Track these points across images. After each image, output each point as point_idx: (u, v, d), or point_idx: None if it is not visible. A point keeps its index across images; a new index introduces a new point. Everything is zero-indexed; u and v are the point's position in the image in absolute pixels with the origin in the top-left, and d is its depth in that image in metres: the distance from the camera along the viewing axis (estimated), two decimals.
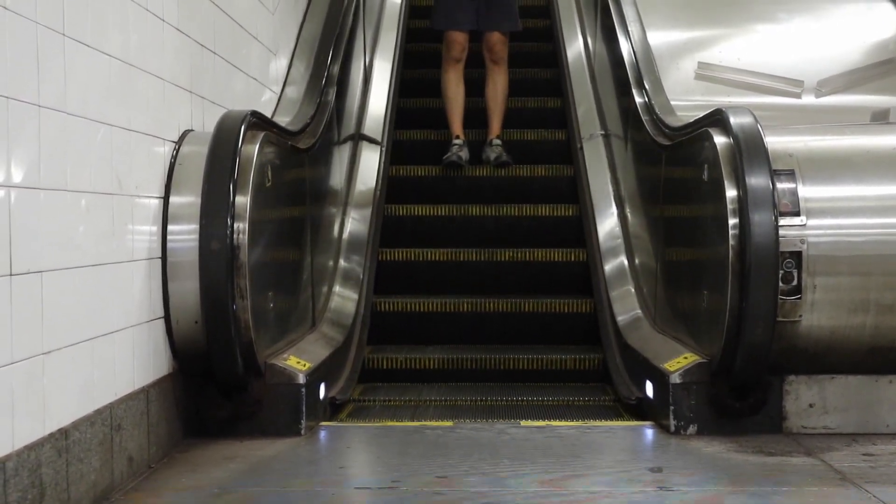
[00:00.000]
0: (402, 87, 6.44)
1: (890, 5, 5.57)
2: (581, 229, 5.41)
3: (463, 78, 5.93)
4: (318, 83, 4.83)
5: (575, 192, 5.68)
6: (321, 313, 4.51)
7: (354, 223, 5.22)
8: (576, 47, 6.52)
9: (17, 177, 2.43)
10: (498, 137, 5.90)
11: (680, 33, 5.61)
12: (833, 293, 3.49)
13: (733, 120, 3.57)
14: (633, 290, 4.72)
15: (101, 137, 2.90)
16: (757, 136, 3.50)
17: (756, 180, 3.40)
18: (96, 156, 2.87)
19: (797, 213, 3.47)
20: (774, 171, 3.46)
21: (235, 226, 3.32)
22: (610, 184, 5.39)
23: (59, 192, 2.64)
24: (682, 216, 4.18)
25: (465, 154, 5.80)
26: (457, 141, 5.85)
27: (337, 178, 5.13)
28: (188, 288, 3.35)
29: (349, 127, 5.56)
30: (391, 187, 5.70)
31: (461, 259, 5.30)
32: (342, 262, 4.97)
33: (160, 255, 3.34)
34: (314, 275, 4.41)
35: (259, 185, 3.48)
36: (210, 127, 3.54)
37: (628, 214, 5.10)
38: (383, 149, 5.75)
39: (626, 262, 4.91)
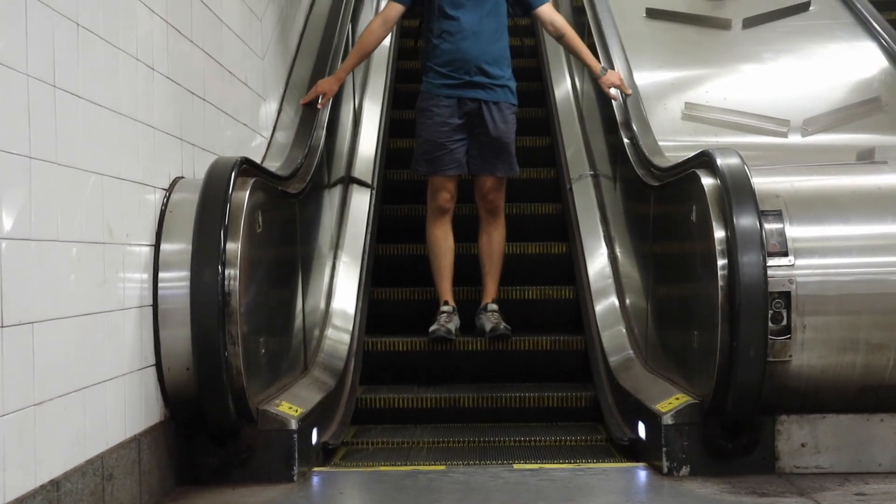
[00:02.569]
0: (392, 129, 6.42)
1: (873, 44, 5.63)
2: (599, 410, 4.52)
3: (452, 229, 5.05)
4: (308, 127, 4.85)
5: (588, 369, 4.81)
6: (313, 357, 4.51)
7: (346, 266, 5.23)
8: (563, 88, 6.57)
9: (8, 228, 2.44)
10: (494, 301, 5.02)
11: (666, 73, 5.65)
12: (822, 332, 3.50)
13: (720, 161, 3.60)
14: (623, 329, 4.73)
15: (91, 187, 2.91)
16: (744, 178, 3.52)
17: (744, 221, 3.42)
18: (87, 205, 2.89)
19: (785, 254, 3.49)
20: (762, 211, 3.48)
21: (226, 272, 3.32)
22: (599, 224, 5.40)
23: (50, 243, 2.65)
24: (672, 256, 4.20)
25: (454, 325, 4.92)
26: (445, 308, 4.95)
27: (328, 222, 5.15)
28: (180, 335, 3.35)
29: (339, 170, 5.58)
30: (367, 367, 4.86)
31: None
32: (334, 306, 4.96)
33: (151, 302, 3.35)
34: (306, 319, 4.41)
35: (250, 232, 3.49)
36: (201, 174, 3.56)
37: (618, 254, 5.12)
38: (373, 191, 5.77)
39: (616, 302, 4.92)
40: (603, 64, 5.26)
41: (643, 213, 4.60)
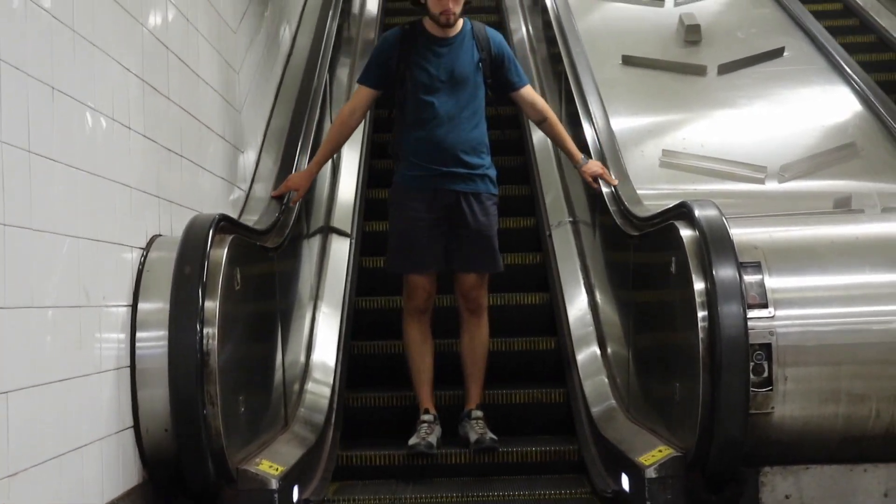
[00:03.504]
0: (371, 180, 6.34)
1: (847, 89, 5.68)
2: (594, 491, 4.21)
3: (430, 329, 4.63)
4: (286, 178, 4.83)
5: (584, 466, 4.43)
6: (293, 411, 4.47)
7: (325, 317, 5.19)
8: (541, 135, 6.58)
9: None
10: (479, 407, 4.57)
11: (643, 120, 5.70)
12: (804, 384, 3.49)
13: (698, 213, 3.60)
14: (605, 378, 4.71)
15: (67, 251, 2.88)
16: (723, 230, 3.53)
17: (724, 274, 3.42)
18: (63, 269, 2.86)
19: (765, 305, 3.49)
20: (741, 263, 3.48)
21: (204, 332, 3.29)
22: (580, 272, 5.39)
23: (24, 310, 2.62)
24: (652, 307, 4.19)
25: (435, 437, 4.44)
26: (426, 417, 4.49)
27: (307, 273, 5.12)
28: (158, 395, 3.31)
29: (318, 220, 5.57)
30: (339, 470, 4.44)
31: None
32: (314, 359, 4.92)
33: (129, 363, 3.31)
34: (286, 373, 4.37)
35: (228, 289, 3.47)
36: (179, 230, 3.53)
37: (599, 301, 5.11)
38: (353, 240, 5.75)
39: (597, 352, 4.89)
40: (584, 156, 4.83)
41: (623, 263, 4.60)
